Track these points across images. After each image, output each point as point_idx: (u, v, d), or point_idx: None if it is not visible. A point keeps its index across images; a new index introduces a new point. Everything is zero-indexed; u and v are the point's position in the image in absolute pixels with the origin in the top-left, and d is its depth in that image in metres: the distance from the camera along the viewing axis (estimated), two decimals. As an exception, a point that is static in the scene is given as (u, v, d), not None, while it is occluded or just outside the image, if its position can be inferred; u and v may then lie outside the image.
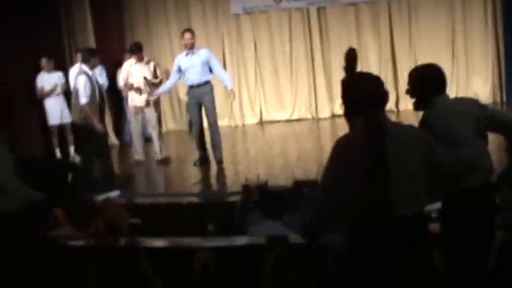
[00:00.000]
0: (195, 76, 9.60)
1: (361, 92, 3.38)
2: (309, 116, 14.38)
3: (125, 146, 12.81)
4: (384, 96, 3.43)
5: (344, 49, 13.93)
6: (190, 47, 9.62)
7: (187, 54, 9.65)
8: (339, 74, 14.11)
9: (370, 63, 14.24)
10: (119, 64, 12.25)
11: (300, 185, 6.92)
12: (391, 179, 3.20)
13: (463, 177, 3.97)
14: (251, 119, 14.60)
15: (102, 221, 5.74)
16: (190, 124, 11.52)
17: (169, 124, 14.83)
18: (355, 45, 13.96)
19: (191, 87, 9.71)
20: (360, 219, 3.25)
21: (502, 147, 6.93)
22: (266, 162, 9.85)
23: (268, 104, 14.58)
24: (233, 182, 8.41)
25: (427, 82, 4.24)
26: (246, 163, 10.12)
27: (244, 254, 4.71)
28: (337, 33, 14.28)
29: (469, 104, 4.32)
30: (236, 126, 14.43)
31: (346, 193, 3.23)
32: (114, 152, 12.13)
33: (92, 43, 12.52)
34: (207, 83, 9.69)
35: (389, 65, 14.28)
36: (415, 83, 4.27)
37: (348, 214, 3.28)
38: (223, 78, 9.98)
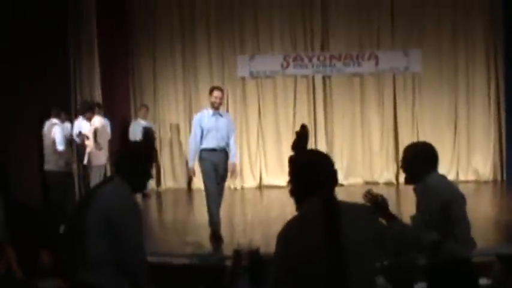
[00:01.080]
0: (218, 139, 8.81)
1: (313, 172, 3.27)
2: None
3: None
4: (334, 176, 3.33)
5: (347, 119, 14.29)
6: (218, 107, 8.95)
7: (213, 114, 8.90)
8: (340, 142, 14.30)
9: (372, 135, 14.37)
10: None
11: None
12: (348, 264, 3.02)
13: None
14: (250, 183, 14.57)
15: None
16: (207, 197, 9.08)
17: (168, 182, 14.75)
18: (358, 116, 14.23)
19: (211, 150, 8.81)
20: None
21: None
22: (262, 227, 9.76)
23: (269, 169, 14.57)
24: (227, 246, 8.34)
25: (418, 159, 4.44)
26: (242, 227, 10.04)
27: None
28: (341, 103, 14.41)
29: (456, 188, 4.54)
30: (235, 189, 14.37)
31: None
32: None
33: (98, 98, 12.64)
34: (225, 149, 8.95)
35: (391, 138, 14.38)
36: (407, 159, 4.52)
37: None
38: (232, 148, 9.03)
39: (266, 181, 14.53)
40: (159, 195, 13.72)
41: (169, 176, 14.76)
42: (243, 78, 14.58)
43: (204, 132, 8.82)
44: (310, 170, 3.28)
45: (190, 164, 9.17)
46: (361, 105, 14.42)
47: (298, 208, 3.31)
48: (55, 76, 11.13)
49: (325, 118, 14.43)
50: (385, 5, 14.27)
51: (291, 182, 3.36)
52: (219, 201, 8.88)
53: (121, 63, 14.29)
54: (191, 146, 9.01)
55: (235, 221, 10.65)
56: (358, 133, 14.44)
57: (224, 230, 9.28)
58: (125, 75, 14.52)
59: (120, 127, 13.39)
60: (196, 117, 9.09)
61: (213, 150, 8.79)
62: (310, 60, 14.33)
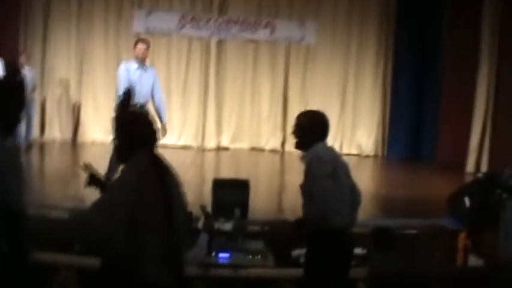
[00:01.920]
0: (140, 95, 8.24)
1: (137, 130, 3.44)
2: (195, 145, 14.36)
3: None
4: (154, 135, 3.50)
5: (239, 84, 14.35)
6: (143, 60, 8.48)
7: (138, 68, 8.40)
8: (229, 107, 14.34)
9: (261, 102, 14.50)
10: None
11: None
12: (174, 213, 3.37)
13: (326, 220, 4.30)
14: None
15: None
16: None
17: (53, 133, 14.19)
18: (250, 83, 14.31)
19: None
20: None
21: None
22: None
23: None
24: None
25: (311, 127, 4.53)
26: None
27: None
28: (233, 68, 14.45)
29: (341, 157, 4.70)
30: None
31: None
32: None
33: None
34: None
35: (280, 107, 14.55)
36: (301, 125, 4.56)
37: None
38: (160, 108, 8.59)
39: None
40: (42, 146, 13.31)
41: (55, 128, 14.25)
42: (139, 34, 14.31)
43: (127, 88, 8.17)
44: (136, 128, 3.44)
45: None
46: (253, 72, 14.52)
47: (122, 163, 3.46)
48: None
49: (217, 82, 14.41)
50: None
51: (115, 139, 3.49)
52: None
53: (12, 5, 13.65)
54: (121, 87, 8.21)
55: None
56: (248, 99, 14.54)
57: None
58: (16, 20, 13.88)
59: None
60: (122, 66, 8.53)
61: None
62: (207, 22, 14.25)
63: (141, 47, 8.44)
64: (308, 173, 4.42)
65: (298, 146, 4.60)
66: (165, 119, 8.75)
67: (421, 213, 8.56)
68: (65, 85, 14.26)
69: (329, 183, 4.30)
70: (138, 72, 8.38)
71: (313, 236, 4.46)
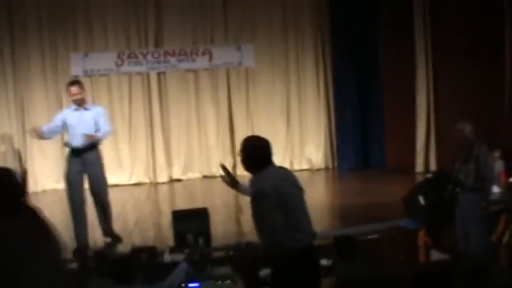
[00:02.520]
0: (78, 135, 8.09)
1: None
2: (147, 181, 14.30)
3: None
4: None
5: (183, 115, 14.37)
6: (80, 103, 8.23)
7: (76, 110, 8.25)
8: (176, 138, 14.36)
9: (208, 129, 14.54)
10: None
11: (137, 252, 6.90)
12: None
13: (289, 241, 4.42)
14: (86, 182, 14.20)
15: None
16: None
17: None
18: (194, 112, 14.40)
19: (77, 149, 8.18)
20: None
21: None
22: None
23: (106, 168, 14.29)
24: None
25: (253, 153, 4.70)
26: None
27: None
28: (176, 99, 14.42)
29: (292, 175, 4.86)
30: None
31: None
32: None
33: None
34: (95, 147, 8.31)
35: (227, 132, 14.62)
36: (246, 153, 4.72)
37: None
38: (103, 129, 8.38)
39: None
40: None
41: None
42: (77, 77, 14.20)
43: (68, 130, 8.25)
44: None
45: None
46: (196, 101, 14.53)
47: None
48: None
49: (161, 115, 14.36)
50: (217, 1, 14.48)
51: None
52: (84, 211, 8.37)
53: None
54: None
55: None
56: (194, 128, 14.55)
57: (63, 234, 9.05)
58: None
59: None
60: (62, 111, 8.66)
61: (79, 149, 8.16)
62: (145, 57, 14.26)
63: (73, 90, 8.27)
64: (253, 207, 4.57)
65: (247, 170, 4.75)
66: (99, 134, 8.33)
67: (379, 218, 8.72)
68: (8, 138, 14.05)
69: (274, 215, 4.42)
70: (77, 113, 8.24)
71: (273, 258, 4.58)
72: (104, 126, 8.34)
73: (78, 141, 8.11)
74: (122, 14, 14.27)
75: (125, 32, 14.31)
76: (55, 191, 13.73)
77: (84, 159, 8.19)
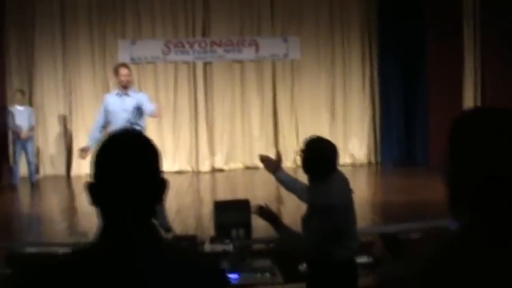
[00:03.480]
0: (124, 122, 7.81)
1: None
2: (190, 169, 14.41)
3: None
4: None
5: (228, 105, 14.41)
6: (126, 86, 8.01)
7: (118, 94, 8.07)
8: (220, 128, 14.41)
9: (252, 120, 14.58)
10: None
11: (179, 240, 6.95)
12: None
13: (342, 250, 4.15)
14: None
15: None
16: None
17: (47, 169, 14.28)
18: (239, 102, 14.43)
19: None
20: None
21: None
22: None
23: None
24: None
25: (320, 157, 4.17)
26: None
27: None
28: (221, 89, 14.53)
29: (347, 180, 4.34)
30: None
31: None
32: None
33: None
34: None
35: (271, 122, 14.64)
36: (308, 156, 4.20)
37: None
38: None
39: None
40: (37, 183, 13.29)
41: (47, 163, 14.35)
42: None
43: (109, 116, 7.96)
44: None
45: (86, 144, 8.18)
46: (241, 91, 14.61)
47: None
48: None
49: (206, 104, 14.49)
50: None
51: None
52: None
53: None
54: (93, 125, 8.29)
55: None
56: (238, 119, 14.62)
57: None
58: (0, 57, 13.96)
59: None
60: (105, 97, 8.38)
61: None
62: (192, 46, 14.37)
63: (122, 72, 8.09)
64: (316, 218, 4.11)
65: (307, 173, 4.26)
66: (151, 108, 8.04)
67: (422, 216, 8.62)
68: (56, 120, 14.32)
69: (336, 228, 4.07)
70: (119, 99, 8.02)
71: (313, 267, 4.36)
72: (148, 107, 7.98)
73: (119, 127, 7.47)
74: (170, 3, 14.41)
75: (173, 20, 14.44)
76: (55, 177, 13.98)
77: None
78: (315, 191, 4.18)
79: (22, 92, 13.32)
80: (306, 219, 4.20)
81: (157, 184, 1.82)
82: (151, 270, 1.67)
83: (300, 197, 4.55)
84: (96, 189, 1.78)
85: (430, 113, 13.58)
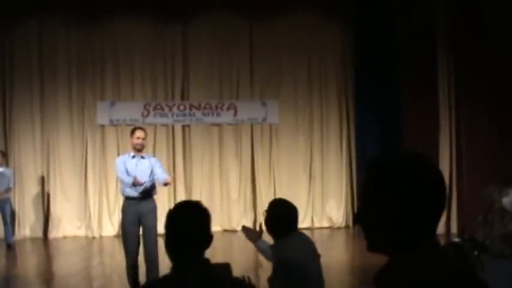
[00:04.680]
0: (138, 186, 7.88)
1: None
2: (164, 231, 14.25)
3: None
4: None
5: (206, 168, 14.43)
6: (140, 149, 8.12)
7: (134, 157, 8.09)
8: (198, 191, 14.40)
9: (230, 183, 14.62)
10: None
11: None
12: None
13: None
14: (109, 231, 14.29)
15: None
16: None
17: (24, 231, 14.02)
18: (217, 165, 14.48)
19: (132, 198, 7.93)
20: None
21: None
22: (122, 278, 9.61)
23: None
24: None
25: (278, 218, 4.57)
26: (102, 278, 9.85)
27: None
28: (200, 152, 14.58)
29: (311, 243, 4.74)
30: (93, 238, 14.07)
31: None
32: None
33: None
34: (150, 197, 8.07)
35: (249, 186, 14.68)
36: (267, 217, 4.62)
37: None
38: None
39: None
40: (13, 244, 13.11)
41: (24, 225, 14.14)
42: (103, 126, 14.43)
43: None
44: None
45: (129, 180, 7.92)
46: (219, 154, 14.67)
47: None
48: None
49: (184, 167, 14.51)
50: (243, 57, 14.73)
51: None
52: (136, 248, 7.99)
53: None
54: (123, 177, 8.05)
55: (95, 272, 10.43)
56: (216, 181, 14.63)
57: (83, 283, 9.10)
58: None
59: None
60: (119, 159, 8.43)
61: (135, 199, 7.94)
62: (170, 109, 14.47)
63: (138, 134, 8.17)
64: (275, 276, 4.37)
65: (269, 232, 4.64)
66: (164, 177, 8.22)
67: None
68: (33, 181, 14.24)
69: (295, 283, 4.29)
70: (134, 161, 8.08)
71: None
72: (162, 174, 8.16)
73: (134, 190, 7.95)
74: (150, 66, 14.56)
75: (152, 83, 14.58)
76: (75, 238, 13.82)
77: (139, 208, 8.02)
78: (275, 249, 4.54)
79: (2, 153, 13.25)
80: (271, 279, 4.41)
81: (208, 237, 3.06)
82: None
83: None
84: (170, 242, 3.00)
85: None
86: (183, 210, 3.15)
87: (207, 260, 2.99)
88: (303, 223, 14.42)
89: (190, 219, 3.06)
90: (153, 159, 8.43)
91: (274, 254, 4.52)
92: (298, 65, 14.85)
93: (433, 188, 1.80)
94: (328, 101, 14.98)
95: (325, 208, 14.79)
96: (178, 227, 3.04)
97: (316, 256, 4.64)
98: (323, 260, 4.72)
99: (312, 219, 14.62)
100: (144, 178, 7.89)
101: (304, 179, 14.79)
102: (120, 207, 8.35)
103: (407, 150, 1.94)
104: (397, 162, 1.84)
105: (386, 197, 1.79)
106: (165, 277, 3.02)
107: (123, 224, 8.16)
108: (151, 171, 8.05)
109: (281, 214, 4.55)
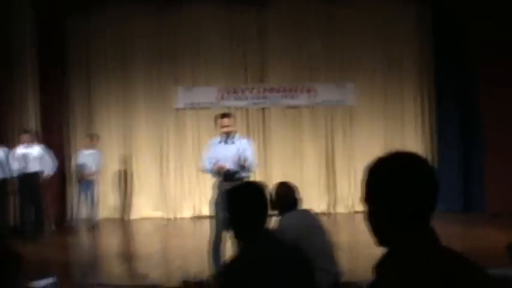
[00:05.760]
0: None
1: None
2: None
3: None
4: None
5: (283, 150, 14.44)
6: (227, 134, 8.10)
7: (221, 142, 8.13)
8: (276, 174, 14.38)
9: (307, 166, 14.66)
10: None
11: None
12: None
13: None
14: (186, 212, 14.55)
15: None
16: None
17: (103, 212, 14.33)
18: (294, 148, 14.44)
19: (220, 180, 8.00)
20: None
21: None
22: (202, 258, 9.74)
23: (205, 199, 14.54)
24: (170, 278, 8.26)
25: (276, 198, 5.78)
26: (182, 258, 9.99)
27: None
28: (276, 135, 14.67)
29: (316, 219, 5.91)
30: (169, 220, 14.35)
31: None
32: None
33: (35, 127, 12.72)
34: (241, 179, 7.88)
35: (326, 167, 14.75)
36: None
37: None
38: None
39: (203, 212, 14.16)
40: (97, 225, 13.46)
41: (106, 206, 14.53)
42: (180, 110, 14.63)
43: (213, 161, 8.04)
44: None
45: (211, 166, 8.02)
46: (296, 137, 14.68)
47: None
48: None
49: (261, 150, 14.55)
50: (320, 40, 14.67)
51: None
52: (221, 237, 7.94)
53: (58, 94, 14.16)
54: (203, 163, 8.24)
55: (173, 252, 10.60)
56: (293, 165, 14.63)
57: (164, 263, 9.28)
58: (61, 105, 14.37)
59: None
60: (209, 142, 8.50)
61: (221, 180, 7.95)
62: (247, 92, 14.55)
63: (223, 120, 8.14)
64: None
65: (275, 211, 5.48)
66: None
67: (479, 264, 8.43)
68: (113, 163, 14.59)
69: None
70: (221, 146, 8.08)
71: None
72: (249, 159, 8.08)
73: (218, 174, 8.01)
74: (226, 50, 14.69)
75: (229, 67, 14.69)
76: (153, 219, 14.11)
77: (225, 189, 8.02)
78: (279, 224, 5.33)
79: (91, 136, 13.61)
80: None
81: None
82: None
83: None
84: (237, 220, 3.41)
85: (488, 160, 13.42)
86: (243, 191, 3.50)
87: (270, 231, 3.47)
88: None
89: (253, 199, 3.42)
90: (244, 143, 8.29)
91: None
92: (376, 48, 14.68)
93: (429, 185, 2.02)
94: (406, 84, 14.75)
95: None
96: (243, 206, 3.39)
97: (323, 231, 5.50)
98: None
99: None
100: (228, 164, 7.86)
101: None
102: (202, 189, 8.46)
103: (403, 151, 2.08)
104: (396, 163, 2.04)
105: (390, 196, 1.99)
106: (242, 251, 3.34)
107: (211, 203, 8.22)
108: (240, 157, 7.96)
109: (283, 194, 5.67)
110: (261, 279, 3.14)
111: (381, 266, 2.01)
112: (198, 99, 14.55)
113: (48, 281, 6.96)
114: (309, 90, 14.57)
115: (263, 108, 14.73)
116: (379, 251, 2.08)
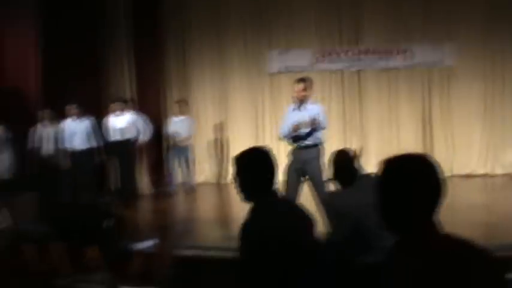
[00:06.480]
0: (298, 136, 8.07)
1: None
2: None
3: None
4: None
5: (379, 113, 14.22)
6: (301, 100, 8.20)
7: (294, 109, 8.28)
8: (372, 137, 14.22)
9: (404, 129, 14.37)
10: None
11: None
12: None
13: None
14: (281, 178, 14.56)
15: (138, 270, 5.84)
16: None
17: (199, 176, 14.56)
18: (390, 111, 14.18)
19: (294, 148, 8.14)
20: None
21: None
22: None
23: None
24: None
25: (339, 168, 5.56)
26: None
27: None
28: (372, 98, 14.42)
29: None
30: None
31: None
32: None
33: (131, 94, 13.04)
34: (315, 146, 8.13)
35: (423, 131, 14.43)
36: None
37: None
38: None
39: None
40: (192, 189, 13.71)
41: (202, 170, 14.72)
42: (274, 74, 14.62)
43: (286, 129, 8.14)
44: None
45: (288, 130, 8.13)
46: (393, 100, 14.41)
47: None
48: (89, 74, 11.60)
49: (357, 113, 14.41)
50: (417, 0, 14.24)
51: None
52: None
53: (153, 61, 14.40)
54: (281, 131, 8.34)
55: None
56: (389, 128, 14.41)
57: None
58: (157, 73, 14.63)
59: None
60: (287, 109, 8.63)
61: (296, 148, 8.10)
62: (342, 55, 14.36)
63: (296, 88, 8.23)
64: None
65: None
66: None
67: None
68: (209, 128, 14.79)
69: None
70: (294, 113, 8.22)
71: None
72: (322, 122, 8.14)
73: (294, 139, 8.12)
74: (320, 11, 14.46)
75: (323, 29, 14.48)
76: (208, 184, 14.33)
77: (300, 156, 8.12)
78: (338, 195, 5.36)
79: (181, 102, 13.81)
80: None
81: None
82: None
83: None
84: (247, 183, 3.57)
85: None
86: (248, 156, 3.68)
87: (276, 192, 3.61)
88: (478, 170, 13.96)
89: (257, 163, 3.61)
90: (315, 109, 8.30)
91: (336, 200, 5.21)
92: (475, 7, 14.11)
93: (435, 181, 2.38)
94: (506, 45, 14.12)
95: (499, 154, 14.13)
96: (248, 170, 3.60)
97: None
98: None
99: (487, 166, 14.05)
100: (304, 130, 7.99)
101: (480, 125, 14.18)
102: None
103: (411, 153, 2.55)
104: (406, 163, 2.47)
105: (403, 192, 2.37)
106: (251, 212, 3.54)
107: (285, 169, 8.20)
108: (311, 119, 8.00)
109: (340, 164, 5.37)
110: (270, 237, 3.34)
111: (391, 254, 2.35)
112: (292, 62, 14.48)
113: (149, 243, 7.17)
114: (405, 51, 14.23)
115: (358, 71, 14.48)
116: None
